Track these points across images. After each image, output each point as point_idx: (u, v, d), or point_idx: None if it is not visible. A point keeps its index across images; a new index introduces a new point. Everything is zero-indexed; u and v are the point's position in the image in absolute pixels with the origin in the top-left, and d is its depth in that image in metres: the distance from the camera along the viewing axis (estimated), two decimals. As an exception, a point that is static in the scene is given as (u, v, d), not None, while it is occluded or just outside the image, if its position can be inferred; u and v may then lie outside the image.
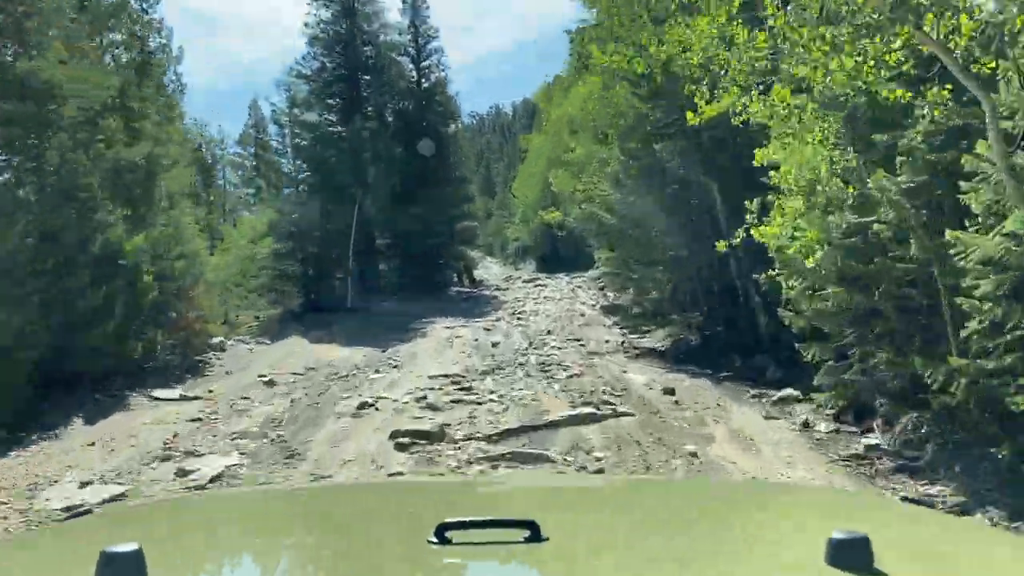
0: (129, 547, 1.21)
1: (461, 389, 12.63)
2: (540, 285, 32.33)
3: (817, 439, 9.37)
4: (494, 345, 17.49)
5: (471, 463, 8.48)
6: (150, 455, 9.29)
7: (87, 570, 1.19)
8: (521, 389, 12.41)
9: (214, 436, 10.18)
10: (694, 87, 8.44)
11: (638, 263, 17.93)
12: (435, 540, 1.36)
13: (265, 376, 14.61)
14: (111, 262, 13.21)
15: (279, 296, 26.46)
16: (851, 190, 8.68)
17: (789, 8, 6.34)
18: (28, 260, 11.56)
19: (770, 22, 6.43)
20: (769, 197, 9.85)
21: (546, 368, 14.37)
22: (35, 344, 11.42)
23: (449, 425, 10.09)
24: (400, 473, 8.11)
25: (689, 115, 8.44)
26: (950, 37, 5.47)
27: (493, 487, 2.68)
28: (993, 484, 7.01)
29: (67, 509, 7.35)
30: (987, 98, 5.77)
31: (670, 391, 12.13)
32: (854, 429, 9.60)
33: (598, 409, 10.73)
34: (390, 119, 33.10)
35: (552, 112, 35.42)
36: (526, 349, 16.85)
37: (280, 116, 32.12)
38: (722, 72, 7.81)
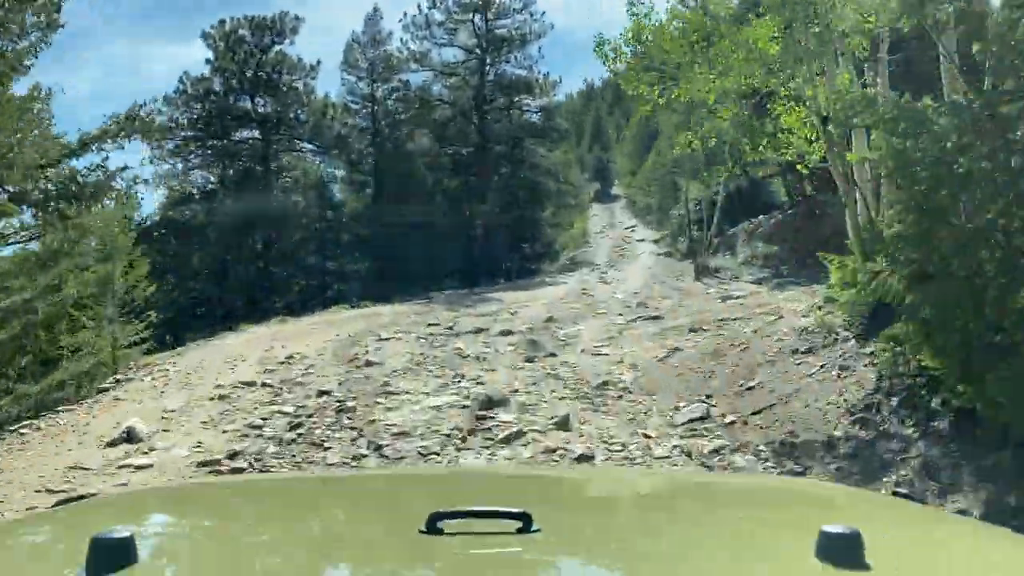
0: (121, 533, 1.21)
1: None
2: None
3: None
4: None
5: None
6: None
7: (79, 556, 1.19)
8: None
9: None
10: None
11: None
12: (426, 530, 1.36)
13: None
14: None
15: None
16: None
17: None
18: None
19: None
20: None
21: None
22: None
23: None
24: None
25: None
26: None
27: (487, 477, 2.69)
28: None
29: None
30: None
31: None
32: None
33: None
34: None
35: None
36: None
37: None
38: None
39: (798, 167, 12.69)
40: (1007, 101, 6.67)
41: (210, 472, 8.26)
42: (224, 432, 9.77)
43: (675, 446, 8.56)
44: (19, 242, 14.53)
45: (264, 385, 12.15)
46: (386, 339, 15.69)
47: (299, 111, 37.05)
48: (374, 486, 2.19)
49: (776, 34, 10.55)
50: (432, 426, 9.44)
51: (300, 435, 9.46)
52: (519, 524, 1.36)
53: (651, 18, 12.17)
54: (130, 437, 9.71)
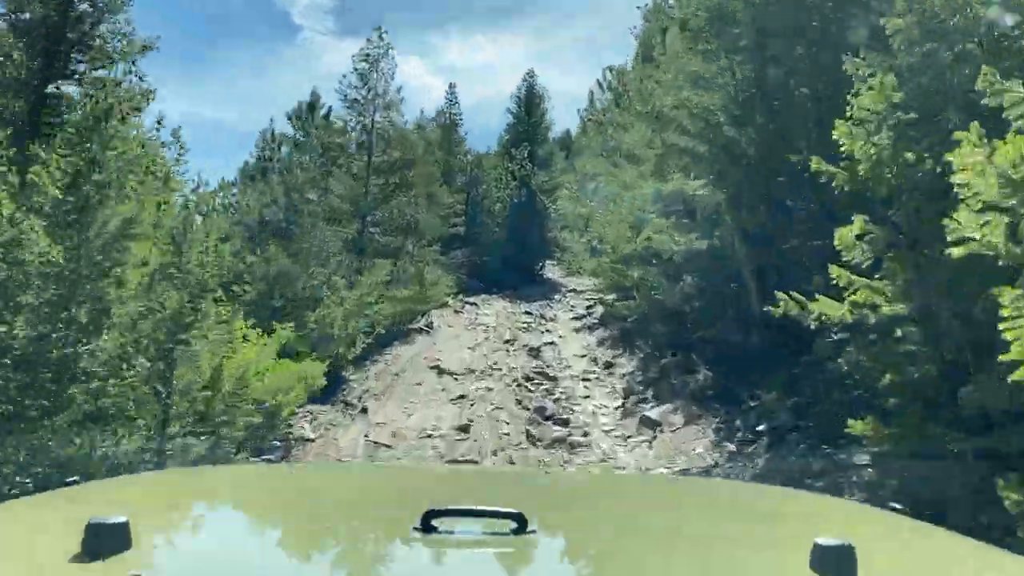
0: (117, 518, 1.22)
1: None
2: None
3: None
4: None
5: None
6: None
7: (74, 540, 1.20)
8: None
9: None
10: None
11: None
12: (421, 527, 1.36)
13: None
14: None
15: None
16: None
17: None
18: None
19: None
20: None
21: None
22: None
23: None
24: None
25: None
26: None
27: (483, 476, 2.69)
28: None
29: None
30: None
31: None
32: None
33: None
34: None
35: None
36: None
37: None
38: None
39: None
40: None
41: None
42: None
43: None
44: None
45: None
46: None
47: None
48: (371, 481, 2.19)
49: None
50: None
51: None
52: (513, 524, 1.37)
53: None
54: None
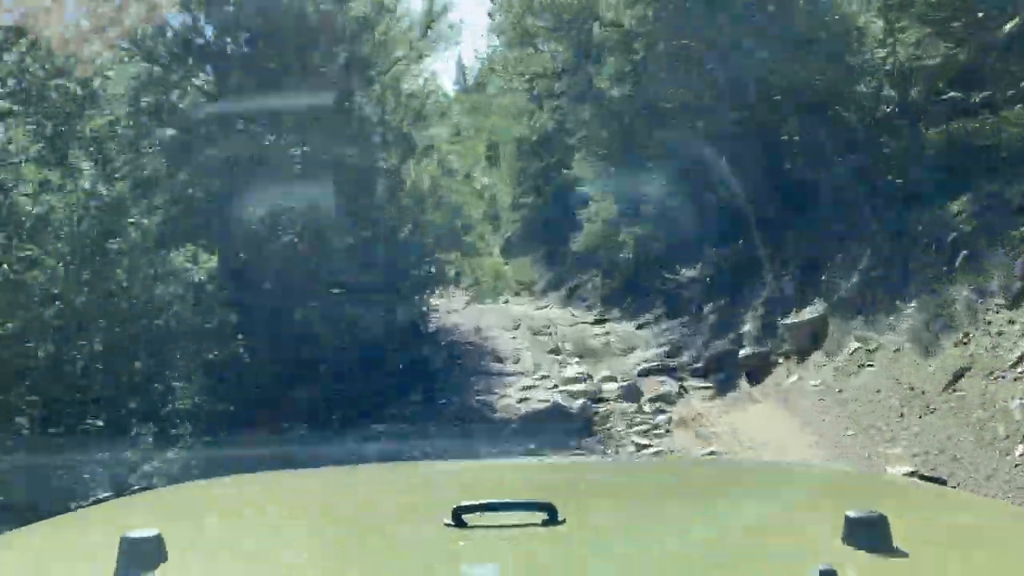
0: (149, 532, 1.23)
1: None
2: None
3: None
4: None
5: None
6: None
7: (108, 554, 1.21)
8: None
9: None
10: None
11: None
12: (451, 523, 1.37)
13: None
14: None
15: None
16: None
17: None
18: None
19: None
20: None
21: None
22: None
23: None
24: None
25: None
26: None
27: (511, 468, 2.69)
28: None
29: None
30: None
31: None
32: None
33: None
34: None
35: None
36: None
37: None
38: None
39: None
40: None
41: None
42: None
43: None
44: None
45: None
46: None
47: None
48: (399, 479, 2.20)
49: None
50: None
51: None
52: (544, 516, 1.37)
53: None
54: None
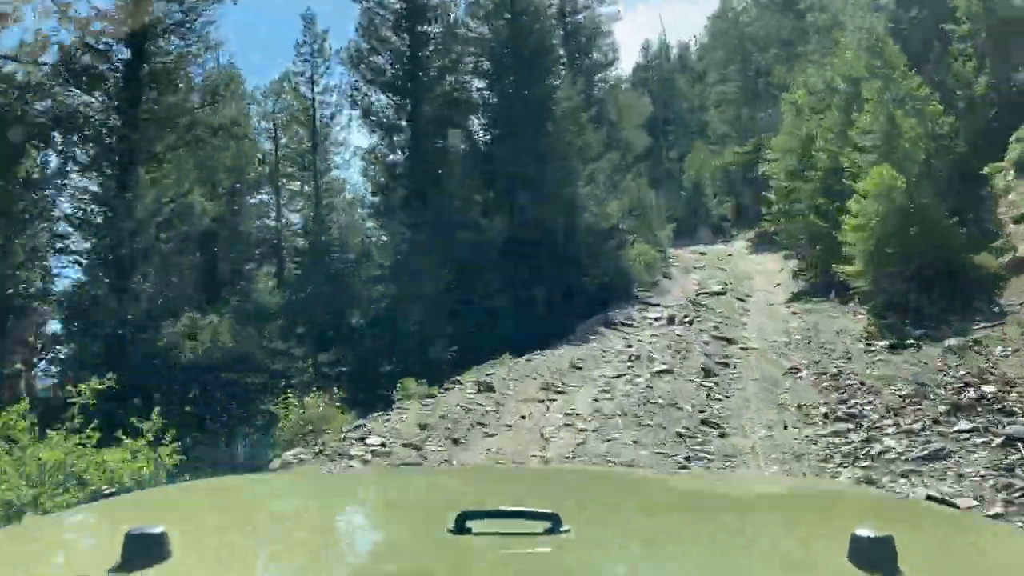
0: (154, 528, 1.23)
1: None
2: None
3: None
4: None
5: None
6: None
7: (113, 550, 1.21)
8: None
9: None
10: None
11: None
12: (455, 530, 1.36)
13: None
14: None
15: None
16: None
17: None
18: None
19: None
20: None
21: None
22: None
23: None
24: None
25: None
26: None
27: (516, 476, 2.69)
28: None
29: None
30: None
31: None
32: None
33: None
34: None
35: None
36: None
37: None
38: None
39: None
40: None
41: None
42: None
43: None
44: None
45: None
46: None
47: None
48: (403, 485, 2.19)
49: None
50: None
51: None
52: (547, 524, 1.36)
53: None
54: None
